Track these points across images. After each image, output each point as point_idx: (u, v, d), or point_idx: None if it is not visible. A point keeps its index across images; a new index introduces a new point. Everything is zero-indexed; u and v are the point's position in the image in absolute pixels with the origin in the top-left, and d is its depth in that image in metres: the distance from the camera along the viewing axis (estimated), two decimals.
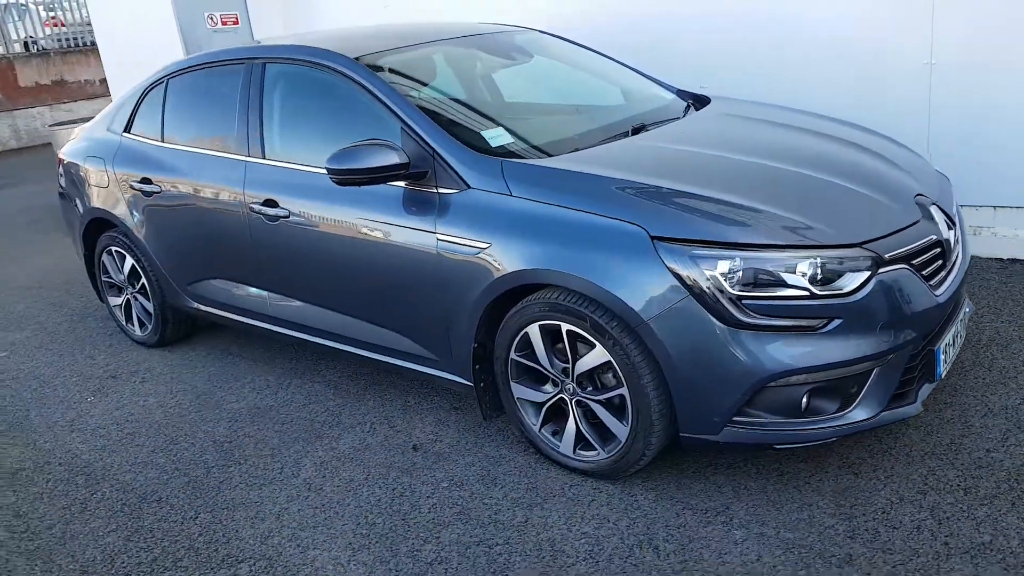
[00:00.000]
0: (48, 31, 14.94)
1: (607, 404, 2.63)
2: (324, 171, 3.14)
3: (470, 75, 3.61)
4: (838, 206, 2.59)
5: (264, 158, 3.46)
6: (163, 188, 3.88)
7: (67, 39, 14.68)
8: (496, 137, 2.96)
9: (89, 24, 14.79)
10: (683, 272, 2.35)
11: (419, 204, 2.91)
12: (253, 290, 3.68)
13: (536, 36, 3.98)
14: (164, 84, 4.02)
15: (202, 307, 4.02)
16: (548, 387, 2.77)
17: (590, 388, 2.67)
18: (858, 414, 2.40)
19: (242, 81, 3.57)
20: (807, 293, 2.31)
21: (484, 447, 3.06)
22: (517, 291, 2.72)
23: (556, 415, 2.83)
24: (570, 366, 2.66)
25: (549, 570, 2.37)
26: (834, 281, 2.33)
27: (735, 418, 2.40)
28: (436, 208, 2.85)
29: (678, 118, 3.35)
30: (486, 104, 3.57)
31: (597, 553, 2.41)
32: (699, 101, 3.65)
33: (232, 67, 3.69)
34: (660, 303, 2.37)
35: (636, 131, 3.14)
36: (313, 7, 7.07)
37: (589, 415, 2.72)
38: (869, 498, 2.51)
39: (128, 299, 4.43)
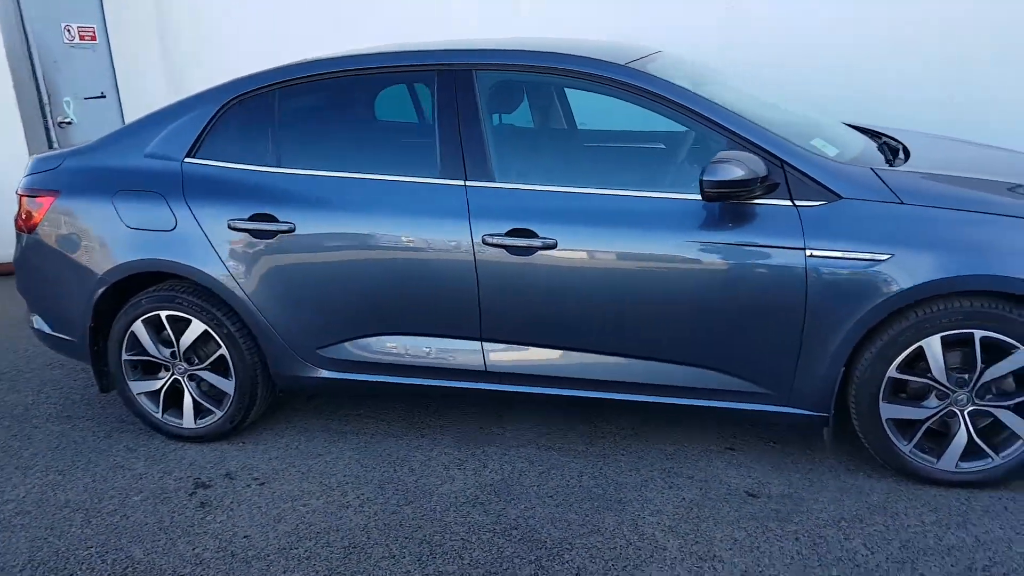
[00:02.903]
0: None
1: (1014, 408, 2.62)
2: (616, 194, 2.76)
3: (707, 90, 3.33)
4: None
5: (495, 181, 2.88)
6: (297, 226, 3.01)
7: None
8: (825, 147, 2.82)
9: None
10: None
11: (760, 219, 2.65)
12: (458, 343, 3.00)
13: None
14: (271, 96, 3.14)
15: (339, 375, 3.16)
16: (931, 401, 2.68)
17: (988, 396, 2.63)
18: None
19: (438, 91, 2.94)
20: None
21: (825, 480, 2.84)
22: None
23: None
24: (972, 376, 2.60)
25: None
26: None
27: None
28: (798, 222, 2.62)
29: (901, 134, 3.38)
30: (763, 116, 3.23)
31: None
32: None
33: (406, 75, 3.03)
34: None
35: (903, 150, 3.13)
36: (198, 25, 6.02)
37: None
38: None
39: (175, 380, 3.31)
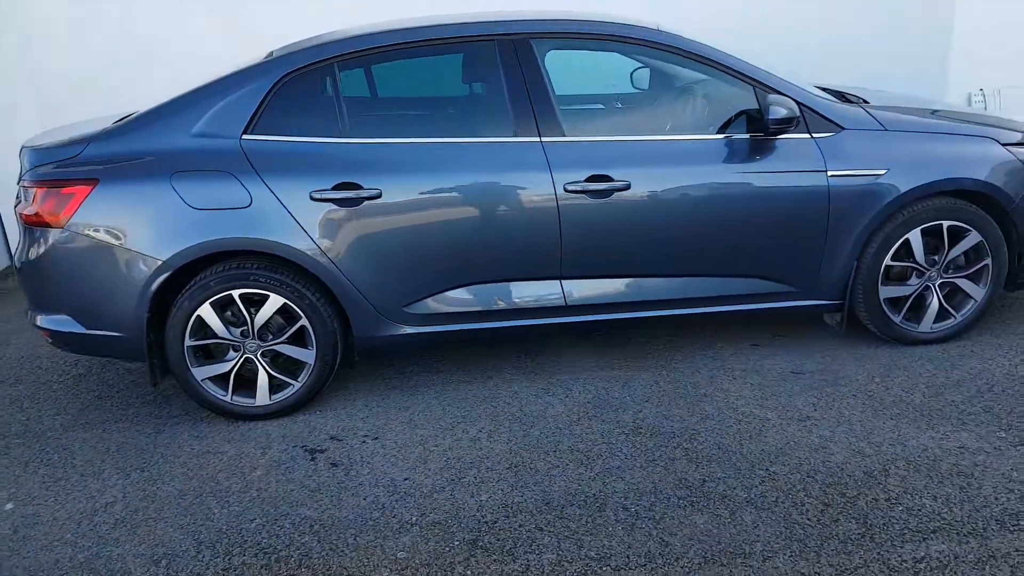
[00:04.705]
0: None
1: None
2: (673, 139, 3.32)
3: None
4: None
5: (565, 136, 3.27)
6: (384, 192, 3.18)
7: None
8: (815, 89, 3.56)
9: None
10: None
11: (789, 150, 3.31)
12: (539, 284, 3.36)
13: None
14: (330, 69, 3.24)
15: (425, 329, 3.37)
16: (913, 280, 3.53)
17: (950, 270, 3.53)
18: None
19: (500, 60, 3.25)
20: None
21: (840, 354, 3.59)
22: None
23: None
24: (941, 256, 3.47)
25: None
26: None
27: None
28: (818, 150, 3.32)
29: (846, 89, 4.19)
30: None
31: None
32: None
33: (464, 46, 3.31)
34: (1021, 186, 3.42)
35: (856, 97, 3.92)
36: None
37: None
38: None
39: (246, 359, 3.31)
